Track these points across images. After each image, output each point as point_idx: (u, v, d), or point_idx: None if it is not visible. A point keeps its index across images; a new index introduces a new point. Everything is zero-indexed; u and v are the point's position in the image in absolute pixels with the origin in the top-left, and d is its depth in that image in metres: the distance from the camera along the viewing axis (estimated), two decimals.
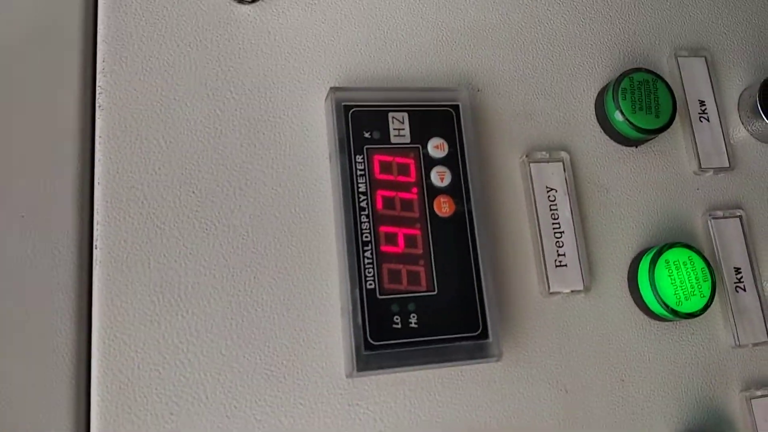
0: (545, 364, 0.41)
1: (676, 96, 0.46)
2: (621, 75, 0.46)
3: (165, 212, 0.38)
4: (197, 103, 0.40)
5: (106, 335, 0.35)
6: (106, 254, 0.37)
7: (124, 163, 0.38)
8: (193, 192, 0.39)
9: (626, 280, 0.45)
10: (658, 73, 0.46)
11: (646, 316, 0.44)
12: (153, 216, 0.38)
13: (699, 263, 0.43)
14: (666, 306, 0.42)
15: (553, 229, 0.43)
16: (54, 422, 0.34)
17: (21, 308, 0.35)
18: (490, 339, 0.38)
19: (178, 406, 0.35)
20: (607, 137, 0.47)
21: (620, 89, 0.45)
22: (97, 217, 0.37)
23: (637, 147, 0.48)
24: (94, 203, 0.37)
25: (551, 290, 0.42)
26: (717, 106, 0.49)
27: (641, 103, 0.45)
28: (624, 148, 0.47)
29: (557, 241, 0.43)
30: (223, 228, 0.39)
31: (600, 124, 0.47)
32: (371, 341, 0.36)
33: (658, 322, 0.44)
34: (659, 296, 0.42)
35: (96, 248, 0.37)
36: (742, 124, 0.50)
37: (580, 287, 0.43)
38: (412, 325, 0.37)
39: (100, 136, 0.38)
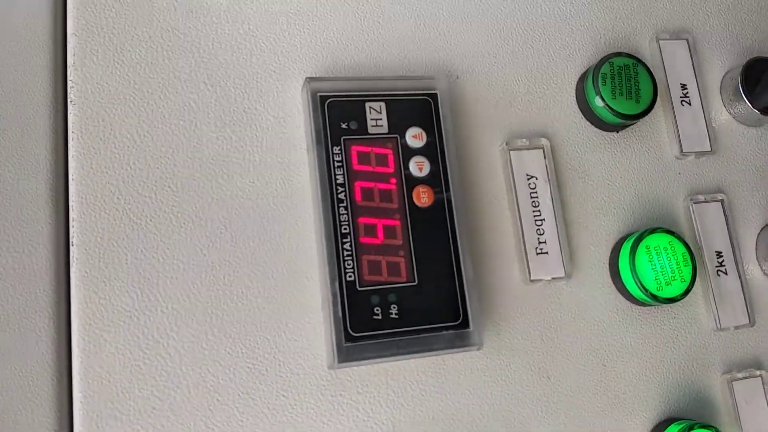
0: (527, 351, 0.42)
1: (657, 80, 0.46)
2: (601, 60, 0.45)
3: (141, 207, 0.38)
4: (171, 95, 0.40)
5: (86, 332, 0.35)
6: (83, 251, 0.36)
7: (98, 158, 0.38)
8: (169, 186, 0.38)
9: (608, 266, 0.45)
10: (638, 57, 0.46)
11: (627, 302, 0.44)
12: (129, 211, 0.37)
13: (680, 248, 0.43)
14: (646, 291, 0.42)
15: (534, 216, 0.43)
16: (37, 419, 0.34)
17: None
18: (471, 328, 0.38)
19: (160, 401, 0.35)
20: (587, 123, 0.47)
21: (600, 74, 0.45)
22: (72, 214, 0.37)
23: (618, 132, 0.48)
24: (69, 200, 0.37)
25: (532, 278, 0.42)
26: (699, 89, 0.49)
27: (621, 88, 0.45)
28: (605, 133, 0.47)
29: (538, 229, 0.43)
30: (201, 222, 0.38)
31: (581, 110, 0.47)
32: (352, 333, 0.37)
33: (639, 307, 0.45)
34: (640, 282, 0.42)
35: (72, 245, 0.36)
36: (725, 107, 0.50)
37: (562, 274, 0.43)
38: (393, 315, 0.37)
39: (72, 132, 0.38)
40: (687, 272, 0.43)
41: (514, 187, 0.44)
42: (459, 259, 0.39)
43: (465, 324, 0.38)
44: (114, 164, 0.38)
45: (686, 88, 0.49)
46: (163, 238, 0.38)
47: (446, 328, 0.38)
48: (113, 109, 0.39)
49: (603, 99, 0.45)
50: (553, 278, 0.43)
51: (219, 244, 0.38)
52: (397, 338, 0.37)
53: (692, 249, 0.44)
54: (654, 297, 0.42)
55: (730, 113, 0.50)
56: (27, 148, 0.37)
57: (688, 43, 0.50)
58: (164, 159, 0.39)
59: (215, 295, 0.38)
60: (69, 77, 0.39)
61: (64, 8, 0.40)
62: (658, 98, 0.46)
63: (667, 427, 0.41)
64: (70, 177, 0.37)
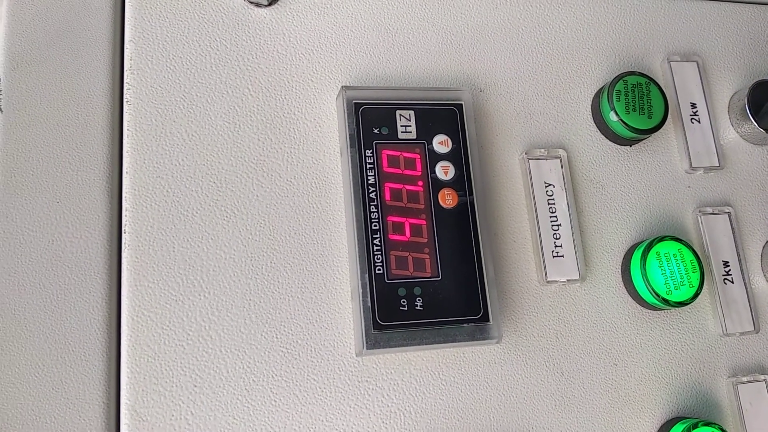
0: (542, 348, 0.44)
1: (668, 98, 0.49)
2: (616, 78, 0.48)
3: (188, 200, 0.41)
4: (217, 99, 0.43)
5: (135, 313, 0.38)
6: (134, 239, 0.39)
7: (150, 154, 0.41)
8: (214, 182, 0.42)
9: (620, 270, 0.47)
10: (651, 76, 0.49)
11: (638, 305, 0.47)
12: (177, 204, 0.41)
13: (688, 255, 0.46)
14: (656, 295, 0.44)
15: (551, 221, 0.46)
16: (88, 391, 0.37)
17: (56, 288, 0.38)
18: (491, 322, 0.41)
19: (201, 379, 0.38)
20: (602, 136, 0.50)
21: (615, 91, 0.48)
22: (125, 204, 0.40)
23: (631, 146, 0.50)
24: (122, 191, 0.40)
25: (548, 279, 0.45)
26: (708, 108, 0.52)
27: (635, 104, 0.48)
28: (619, 147, 0.50)
29: (554, 233, 0.46)
30: (242, 216, 0.41)
31: (596, 124, 0.50)
32: (380, 321, 0.39)
33: (649, 311, 0.47)
34: (650, 285, 0.44)
35: (125, 233, 0.39)
36: (732, 126, 0.53)
37: (576, 277, 0.45)
38: (418, 307, 0.40)
39: (128, 129, 0.41)
40: (695, 278, 0.45)
41: (533, 193, 0.46)
42: (480, 257, 0.42)
43: (485, 318, 0.41)
44: (164, 160, 0.41)
45: (696, 107, 0.52)
46: (207, 229, 0.41)
47: (467, 321, 0.41)
48: (165, 110, 0.42)
49: (617, 114, 0.47)
50: (568, 280, 0.45)
51: (258, 237, 0.41)
52: (422, 329, 0.40)
53: (700, 257, 0.46)
54: (664, 300, 0.44)
55: (737, 132, 0.53)
56: (86, 144, 0.40)
57: (698, 65, 0.53)
58: (210, 157, 0.42)
59: (253, 283, 0.40)
60: (126, 80, 0.42)
61: (122, 17, 0.43)
62: (669, 116, 0.49)
63: (673, 425, 0.43)
64: (124, 171, 0.41)
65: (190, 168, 0.41)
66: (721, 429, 0.42)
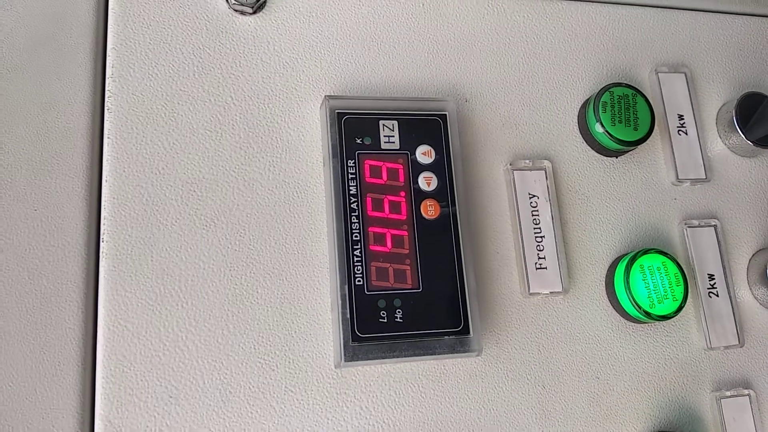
0: (524, 360, 0.44)
1: (656, 110, 0.49)
2: (602, 89, 0.48)
3: (167, 210, 0.41)
4: (199, 107, 0.43)
5: (111, 323, 0.38)
6: (112, 247, 0.39)
7: (129, 162, 0.41)
8: (194, 191, 0.41)
9: (604, 283, 0.47)
10: (638, 88, 0.49)
11: (621, 318, 0.47)
12: (156, 213, 0.40)
13: (672, 268, 0.45)
14: (639, 308, 0.44)
15: (534, 233, 0.46)
16: (63, 402, 0.36)
17: (33, 296, 0.37)
18: (471, 335, 0.41)
19: (176, 390, 0.38)
20: (588, 147, 0.50)
21: (601, 102, 0.48)
22: (104, 213, 0.40)
23: (617, 157, 0.50)
24: (101, 200, 0.40)
25: (531, 291, 0.45)
26: (695, 120, 0.52)
27: (621, 116, 0.48)
28: (604, 158, 0.50)
29: (538, 245, 0.46)
30: (222, 226, 0.41)
31: (582, 135, 0.50)
32: (359, 333, 0.39)
33: (633, 323, 0.47)
34: (633, 298, 0.44)
35: (102, 242, 0.39)
36: (720, 138, 0.53)
37: (559, 289, 0.45)
38: (398, 319, 0.40)
39: (108, 137, 0.41)
40: (679, 292, 0.45)
41: (517, 205, 0.46)
42: (462, 269, 0.42)
43: (466, 330, 0.41)
44: (144, 168, 0.41)
45: (683, 119, 0.52)
46: (186, 239, 0.40)
47: (448, 334, 0.40)
48: (146, 118, 0.42)
49: (603, 125, 0.47)
50: (551, 292, 0.45)
51: (237, 247, 0.41)
52: (401, 341, 0.39)
53: (685, 270, 0.46)
54: (647, 314, 0.44)
55: (725, 144, 0.53)
56: (67, 151, 0.40)
57: (686, 76, 0.53)
58: (191, 166, 0.42)
59: (232, 293, 0.40)
60: (107, 87, 0.42)
61: (105, 25, 0.43)
62: (657, 127, 0.49)
63: None
64: (104, 179, 0.40)
65: (171, 177, 0.41)
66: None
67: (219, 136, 0.43)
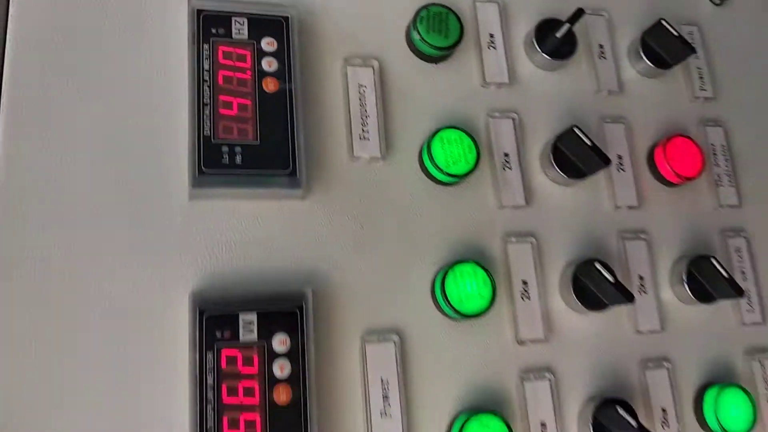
0: (347, 206, 0.55)
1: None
2: (421, 8, 0.61)
3: None
4: None
5: None
6: None
7: None
8: None
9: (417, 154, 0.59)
10: (451, 8, 0.62)
11: (432, 182, 0.58)
12: None
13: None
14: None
15: (360, 114, 0.58)
16: None
17: None
18: (299, 176, 0.52)
19: None
20: (412, 54, 0.62)
21: (419, 17, 0.60)
22: None
23: (436, 63, 0.63)
24: None
25: (355, 155, 0.56)
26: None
27: (434, 27, 0.60)
28: (426, 63, 0.62)
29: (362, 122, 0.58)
30: None
31: (408, 45, 0.62)
32: (204, 169, 0.50)
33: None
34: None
35: None
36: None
37: (378, 155, 0.57)
38: (238, 162, 0.51)
39: None
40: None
41: (348, 95, 0.58)
42: (294, 128, 0.53)
43: (294, 173, 0.52)
44: None
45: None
46: None
47: (279, 175, 0.52)
48: None
49: (419, 33, 0.60)
50: (371, 157, 0.57)
51: None
52: (240, 175, 0.51)
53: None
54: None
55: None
56: None
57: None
58: None
59: None
60: None
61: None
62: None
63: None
64: None
65: None
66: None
67: None
